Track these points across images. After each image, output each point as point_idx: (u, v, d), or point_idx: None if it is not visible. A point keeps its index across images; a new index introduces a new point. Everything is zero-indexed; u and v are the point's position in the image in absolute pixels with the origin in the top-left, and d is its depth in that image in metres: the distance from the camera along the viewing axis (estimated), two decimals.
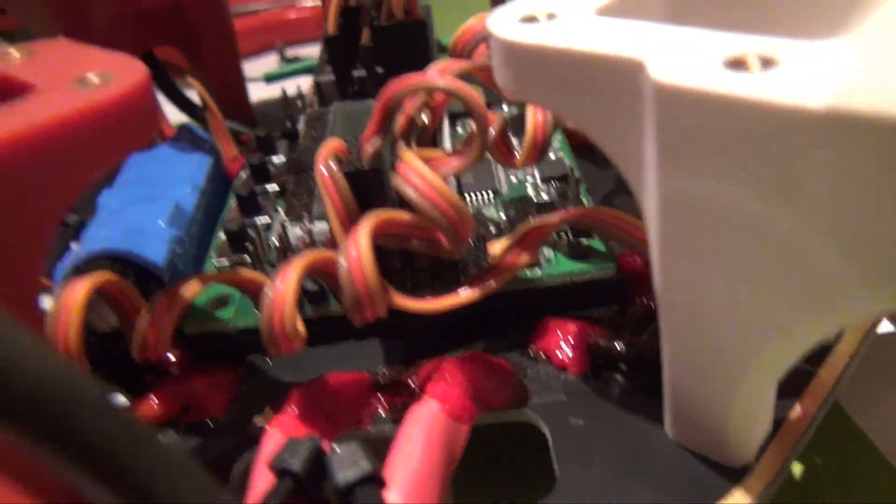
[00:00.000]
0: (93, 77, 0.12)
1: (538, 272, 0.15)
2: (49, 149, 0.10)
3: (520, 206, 0.18)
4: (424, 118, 0.15)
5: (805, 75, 0.08)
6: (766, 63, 0.09)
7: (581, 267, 0.15)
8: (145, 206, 0.17)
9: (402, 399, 0.14)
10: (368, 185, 0.14)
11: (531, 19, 0.11)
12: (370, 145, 0.14)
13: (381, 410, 0.14)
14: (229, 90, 0.26)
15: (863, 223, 0.08)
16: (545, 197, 0.17)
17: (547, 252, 0.16)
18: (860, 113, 0.07)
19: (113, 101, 0.11)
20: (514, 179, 0.18)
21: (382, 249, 0.14)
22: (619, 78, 0.10)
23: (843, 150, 0.08)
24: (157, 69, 0.24)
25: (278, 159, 0.21)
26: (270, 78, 0.29)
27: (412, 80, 0.13)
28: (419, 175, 0.12)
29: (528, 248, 0.15)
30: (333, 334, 0.15)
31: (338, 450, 0.11)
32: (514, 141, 0.20)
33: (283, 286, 0.12)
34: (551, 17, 0.11)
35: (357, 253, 0.12)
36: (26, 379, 0.06)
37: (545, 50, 0.10)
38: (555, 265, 0.15)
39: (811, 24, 0.11)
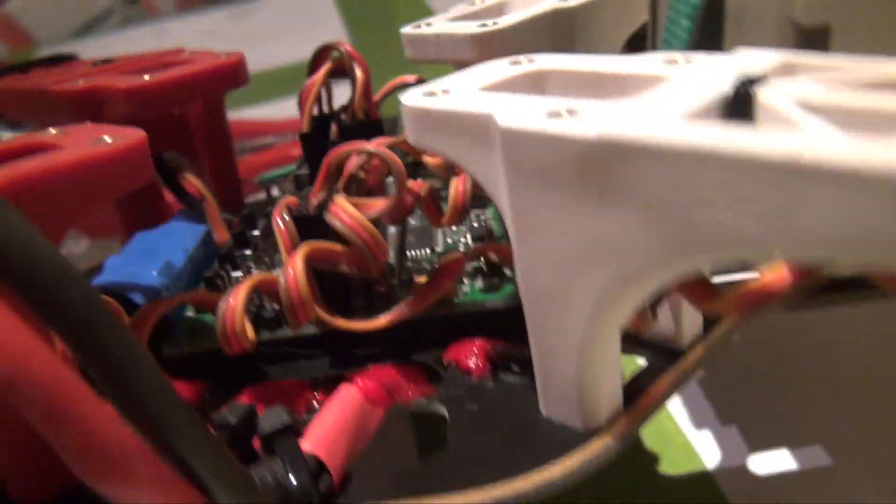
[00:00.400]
0: (106, 138, 0.16)
1: (456, 300, 0.19)
2: (71, 179, 0.14)
3: None
4: (361, 174, 0.19)
5: (591, 119, 0.12)
6: (572, 113, 0.13)
7: (491, 297, 0.19)
8: (141, 262, 0.21)
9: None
10: (312, 228, 0.18)
11: (431, 94, 0.15)
12: (315, 198, 0.18)
13: (315, 403, 0.17)
14: (225, 189, 0.30)
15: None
16: None
17: (465, 287, 0.19)
18: (613, 137, 0.11)
19: (118, 150, 0.15)
20: (449, 240, 0.22)
21: (324, 278, 0.18)
22: (479, 127, 0.14)
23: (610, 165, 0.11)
24: (162, 168, 0.28)
25: (256, 232, 0.25)
26: (263, 181, 0.34)
27: (351, 144, 0.18)
28: (344, 211, 0.16)
29: (445, 278, 0.18)
30: (286, 354, 0.19)
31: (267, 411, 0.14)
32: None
33: (234, 298, 0.16)
34: (445, 92, 0.15)
35: (293, 270, 0.16)
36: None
37: (436, 111, 0.15)
38: (469, 295, 0.19)
39: (619, 97, 0.15)
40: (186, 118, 0.29)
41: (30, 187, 0.14)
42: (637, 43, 0.30)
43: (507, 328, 0.19)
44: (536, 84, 0.17)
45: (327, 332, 0.18)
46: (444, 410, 0.16)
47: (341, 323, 0.17)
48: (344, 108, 0.26)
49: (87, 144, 0.16)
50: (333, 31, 0.71)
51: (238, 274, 0.22)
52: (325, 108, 0.27)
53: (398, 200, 0.17)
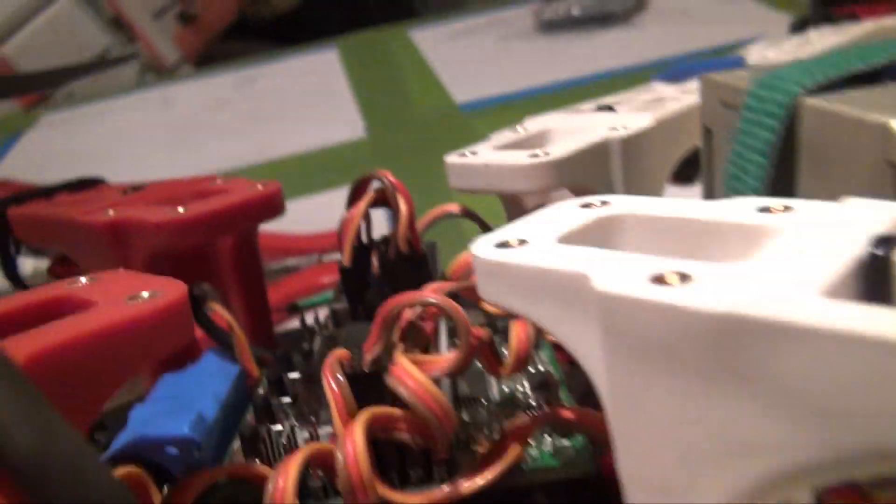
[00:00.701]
0: (144, 294, 0.14)
1: (522, 468, 0.17)
2: (108, 347, 0.13)
3: (510, 412, 0.19)
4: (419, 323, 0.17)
5: (711, 288, 0.10)
6: (684, 278, 0.11)
7: (562, 466, 0.17)
8: (170, 413, 0.19)
9: None
10: (367, 388, 0.16)
11: (505, 244, 0.14)
12: (370, 353, 0.16)
13: None
14: (255, 320, 0.29)
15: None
16: (533, 403, 0.19)
17: (533, 452, 0.17)
18: (746, 316, 0.10)
19: (158, 310, 0.14)
20: (505, 388, 0.20)
21: (379, 443, 0.16)
22: (570, 288, 0.12)
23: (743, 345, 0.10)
24: (194, 304, 0.27)
25: (295, 375, 0.23)
26: (293, 309, 0.32)
27: (407, 296, 0.16)
28: (410, 376, 0.14)
29: (512, 444, 0.16)
30: None
31: None
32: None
33: (283, 478, 0.14)
34: (522, 242, 0.14)
35: (352, 447, 0.14)
36: None
37: (516, 267, 0.13)
38: (538, 462, 0.17)
39: (722, 253, 0.14)
40: (215, 247, 0.28)
41: (61, 359, 0.12)
42: (689, 170, 0.29)
43: (584, 497, 0.16)
44: (614, 230, 0.15)
45: None
46: None
47: (402, 498, 0.15)
48: (385, 240, 0.25)
49: (123, 302, 0.14)
50: (344, 105, 0.69)
51: (278, 428, 0.20)
52: (363, 237, 0.25)
53: (464, 357, 0.16)
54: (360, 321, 0.24)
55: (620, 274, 0.11)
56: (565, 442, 0.17)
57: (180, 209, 0.23)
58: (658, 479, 0.11)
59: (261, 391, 0.22)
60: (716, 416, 0.10)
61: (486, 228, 0.25)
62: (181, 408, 0.20)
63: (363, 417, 0.14)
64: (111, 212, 0.25)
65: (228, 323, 0.27)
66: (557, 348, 0.23)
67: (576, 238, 0.15)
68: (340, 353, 0.16)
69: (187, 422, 0.19)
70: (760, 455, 0.10)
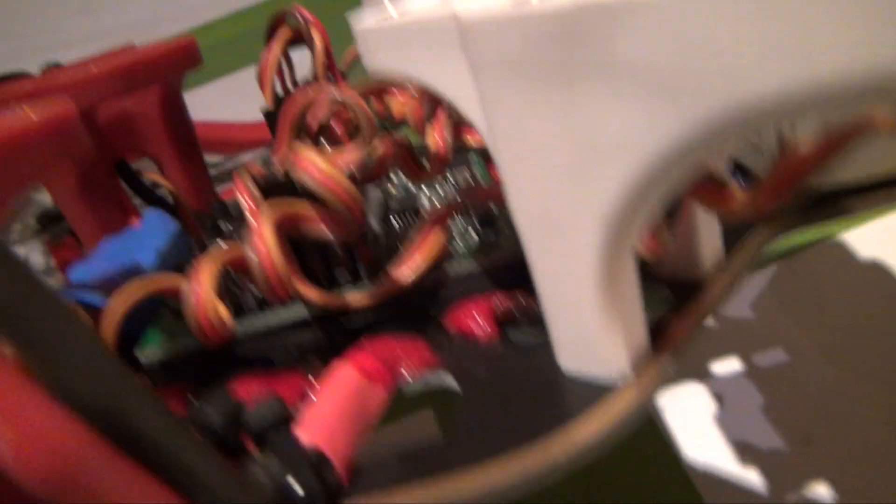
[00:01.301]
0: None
1: (451, 264, 0.17)
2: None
3: None
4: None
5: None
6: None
7: (487, 252, 0.17)
8: (104, 261, 0.19)
9: None
10: (282, 191, 0.16)
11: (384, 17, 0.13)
12: (279, 158, 0.16)
13: (309, 390, 0.15)
14: (193, 184, 0.28)
15: None
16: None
17: (457, 246, 0.17)
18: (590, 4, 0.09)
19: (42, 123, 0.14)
20: (435, 201, 0.20)
21: (302, 251, 0.16)
22: (444, 32, 0.12)
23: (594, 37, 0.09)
24: (128, 174, 0.27)
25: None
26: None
27: (314, 90, 0.16)
28: (313, 165, 0.14)
29: (432, 233, 0.16)
30: (271, 341, 0.17)
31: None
32: None
33: (197, 279, 0.14)
34: (400, 13, 0.13)
35: (260, 239, 0.14)
36: None
37: (393, 27, 0.13)
38: (465, 255, 0.17)
39: None
40: (144, 114, 0.27)
41: None
42: None
43: (509, 282, 0.17)
44: None
45: (314, 311, 0.17)
46: (453, 382, 0.14)
47: (326, 298, 0.15)
48: (308, 82, 0.24)
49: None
50: None
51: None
52: (287, 81, 0.25)
53: (370, 147, 0.15)
54: None
55: (483, 4, 0.11)
56: (487, 229, 0.18)
57: (93, 68, 0.22)
58: (541, 209, 0.12)
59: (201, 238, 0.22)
60: (582, 119, 0.10)
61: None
62: (118, 258, 0.20)
63: (266, 211, 0.14)
64: (28, 87, 0.24)
65: (171, 192, 0.27)
66: (485, 156, 0.23)
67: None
68: (251, 166, 0.16)
69: (123, 269, 0.19)
70: (629, 149, 0.10)
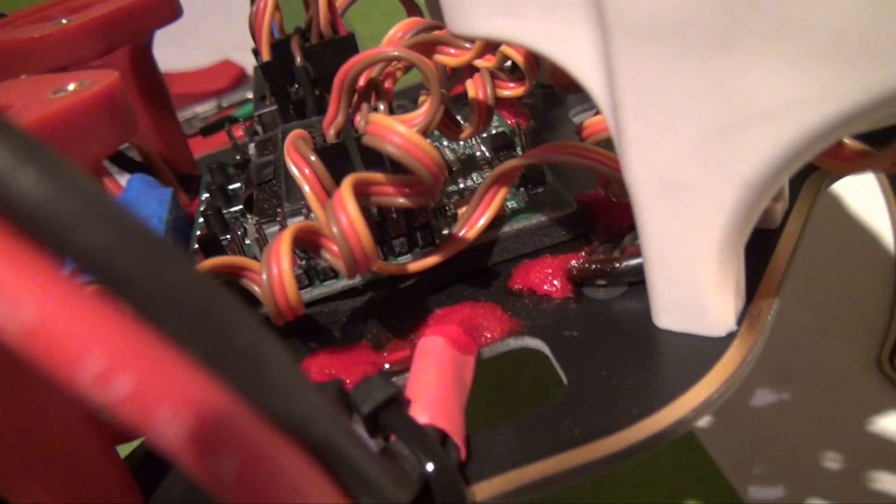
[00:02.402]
0: (70, 86, 0.12)
1: (506, 224, 0.16)
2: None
3: (478, 176, 0.19)
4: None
5: None
6: None
7: (543, 210, 0.16)
8: None
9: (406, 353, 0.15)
10: (335, 161, 0.15)
11: None
12: (333, 125, 0.15)
13: (386, 365, 0.14)
14: (169, 144, 0.26)
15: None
16: (493, 163, 0.19)
17: (510, 205, 0.17)
18: None
19: (87, 99, 0.12)
20: (463, 157, 0.20)
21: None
22: None
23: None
24: None
25: (236, 185, 0.21)
26: (207, 131, 0.30)
27: (366, 54, 0.15)
28: (392, 130, 0.13)
29: (499, 190, 0.16)
30: (330, 313, 0.16)
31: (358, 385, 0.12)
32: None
33: (276, 261, 0.13)
34: None
35: (345, 214, 0.13)
36: None
37: None
38: (520, 215, 0.16)
39: None
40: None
41: None
42: None
43: (566, 240, 0.16)
44: None
45: (372, 280, 0.16)
46: (540, 344, 0.14)
47: (400, 267, 0.15)
48: (302, 30, 0.23)
49: (46, 98, 0.12)
50: None
51: (244, 232, 0.18)
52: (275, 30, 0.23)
53: (436, 107, 0.15)
54: (291, 122, 0.23)
55: None
56: (539, 189, 0.17)
57: (63, 21, 0.20)
58: (676, 172, 0.11)
59: (204, 202, 0.21)
60: (738, 84, 0.10)
61: (408, 2, 0.23)
62: None
63: (348, 182, 0.13)
64: None
65: (147, 156, 0.25)
66: (502, 109, 0.22)
67: None
68: (298, 131, 0.15)
69: None
70: (789, 116, 0.10)
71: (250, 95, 0.26)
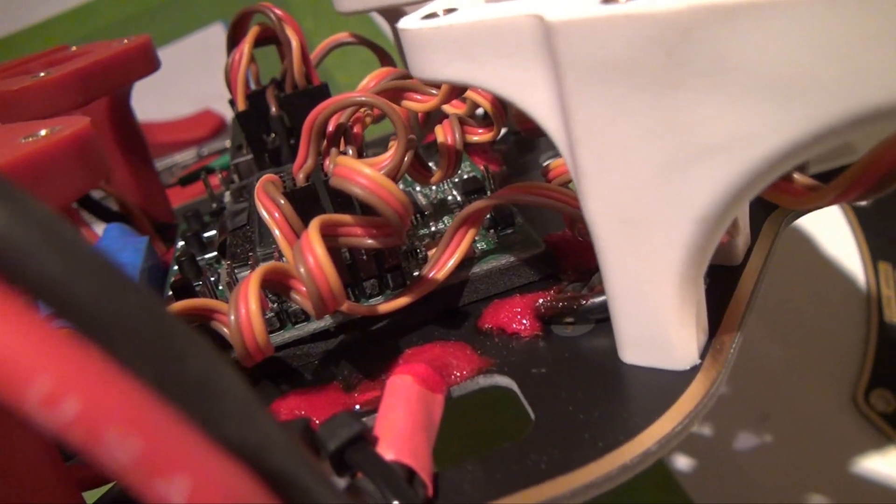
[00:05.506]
0: (41, 132, 0.13)
1: (476, 265, 0.17)
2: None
3: (449, 219, 0.19)
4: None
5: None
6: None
7: (512, 251, 0.17)
8: None
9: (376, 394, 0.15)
10: (304, 204, 0.15)
11: (432, 15, 0.13)
12: (302, 169, 0.15)
13: (356, 406, 0.14)
14: (146, 194, 0.27)
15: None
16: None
17: (480, 246, 0.17)
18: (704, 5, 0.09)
19: (57, 143, 0.12)
20: (434, 201, 0.20)
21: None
22: (516, 35, 0.11)
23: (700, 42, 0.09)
24: None
25: (211, 233, 0.22)
26: (186, 181, 0.30)
27: (334, 99, 0.15)
28: (359, 172, 0.14)
29: (468, 231, 0.16)
30: (301, 355, 0.16)
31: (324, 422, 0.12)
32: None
33: (244, 301, 0.13)
34: (449, 11, 0.13)
35: (312, 255, 0.13)
36: None
37: (453, 28, 0.12)
38: (489, 256, 0.17)
39: None
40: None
41: None
42: None
43: (535, 279, 0.17)
44: None
45: (343, 322, 0.16)
46: (510, 381, 0.14)
47: (371, 308, 0.15)
48: (277, 80, 0.23)
49: (17, 142, 0.13)
50: None
51: (218, 277, 0.19)
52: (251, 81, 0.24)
53: (403, 151, 0.15)
54: (266, 169, 0.23)
55: (568, 4, 0.11)
56: (508, 231, 0.17)
57: (42, 74, 0.20)
58: (632, 209, 0.11)
59: (179, 253, 0.21)
60: (684, 121, 0.10)
61: (381, 52, 0.24)
62: None
63: (315, 224, 0.13)
64: None
65: (124, 205, 0.25)
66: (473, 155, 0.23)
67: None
68: (268, 176, 0.15)
69: None
70: (736, 151, 0.10)
71: (229, 144, 0.27)
